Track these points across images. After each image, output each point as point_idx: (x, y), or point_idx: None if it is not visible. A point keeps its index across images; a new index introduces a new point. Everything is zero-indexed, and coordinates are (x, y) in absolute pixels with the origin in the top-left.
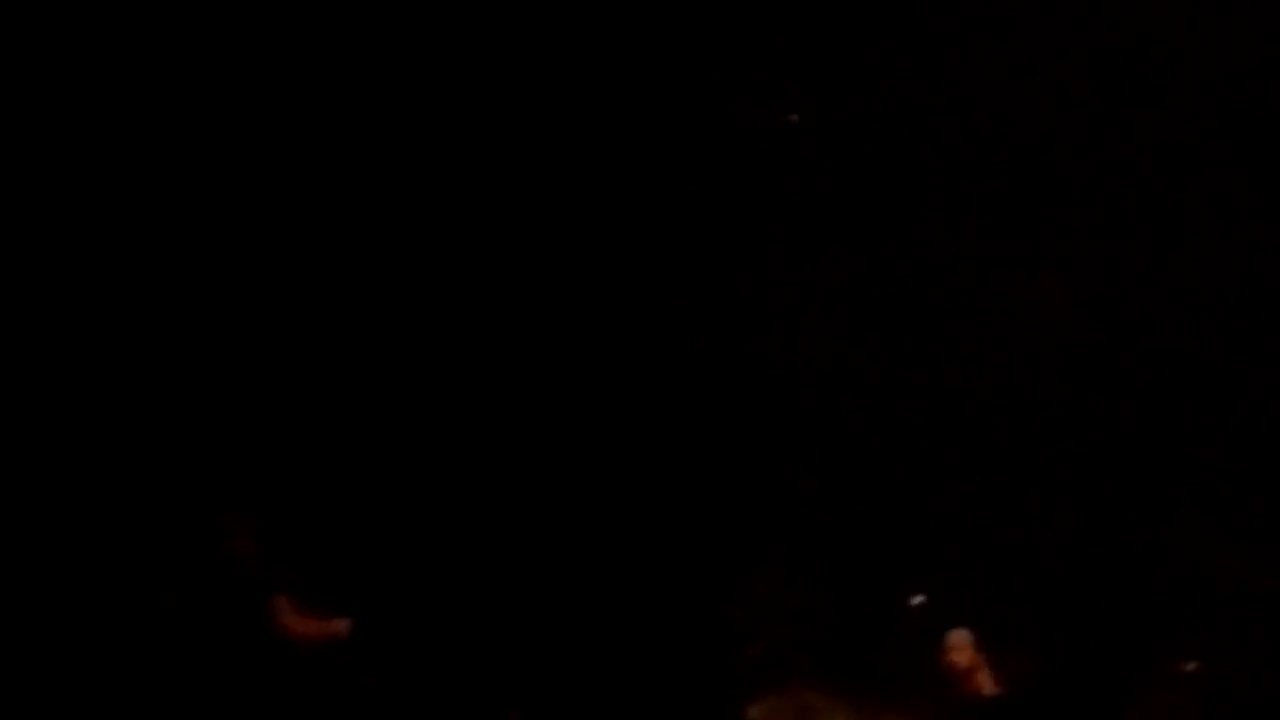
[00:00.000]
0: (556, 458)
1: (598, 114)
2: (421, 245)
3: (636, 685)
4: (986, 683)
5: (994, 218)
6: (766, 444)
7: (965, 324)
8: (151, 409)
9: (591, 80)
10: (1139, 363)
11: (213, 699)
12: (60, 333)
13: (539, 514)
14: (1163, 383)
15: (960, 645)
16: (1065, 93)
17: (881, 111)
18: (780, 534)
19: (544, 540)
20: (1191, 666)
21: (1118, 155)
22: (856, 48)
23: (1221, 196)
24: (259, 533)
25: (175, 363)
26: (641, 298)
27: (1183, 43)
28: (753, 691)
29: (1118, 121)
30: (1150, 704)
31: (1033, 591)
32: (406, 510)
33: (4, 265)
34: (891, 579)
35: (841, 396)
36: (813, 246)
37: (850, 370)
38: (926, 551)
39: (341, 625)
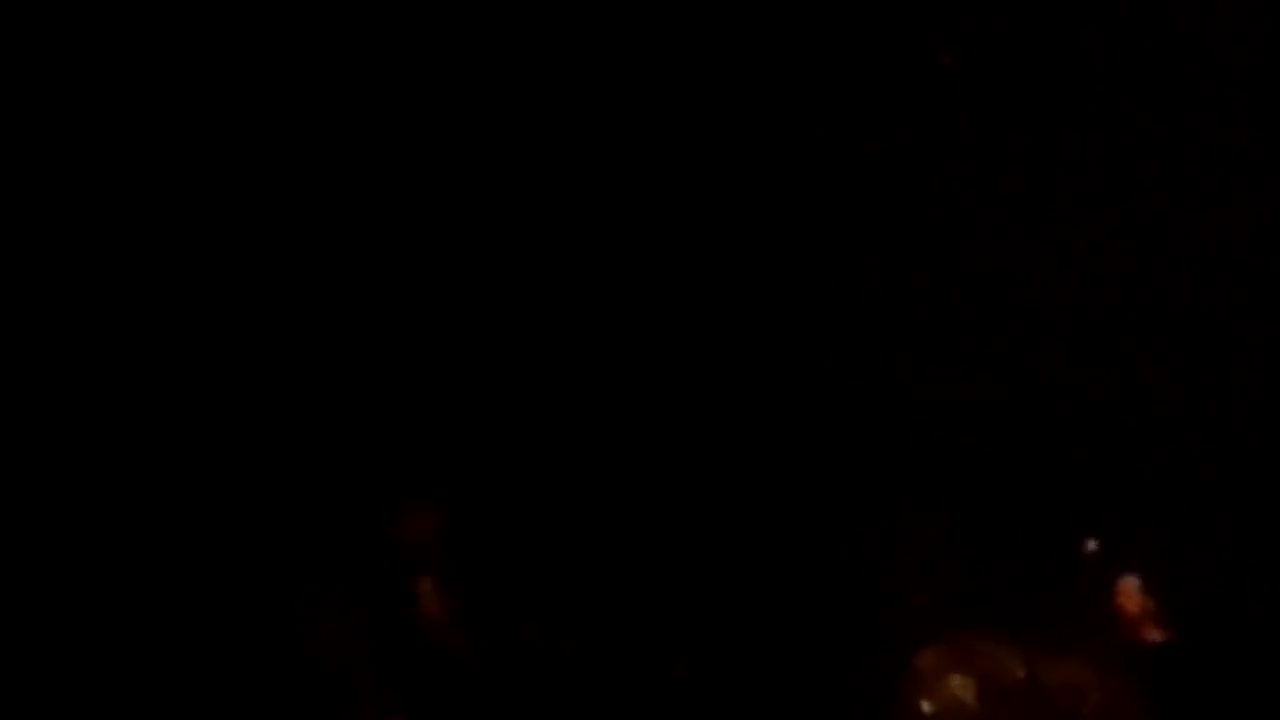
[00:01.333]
0: (721, 417)
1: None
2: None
3: (804, 635)
4: (1156, 630)
5: None
6: (936, 394)
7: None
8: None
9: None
10: None
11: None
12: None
13: (702, 471)
14: None
15: (1130, 592)
16: None
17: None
18: (948, 483)
19: (705, 494)
20: None
21: None
22: None
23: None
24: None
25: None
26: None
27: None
28: (921, 641)
29: None
30: None
31: (1204, 538)
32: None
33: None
34: (1062, 526)
35: (1011, 343)
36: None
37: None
38: (1097, 498)
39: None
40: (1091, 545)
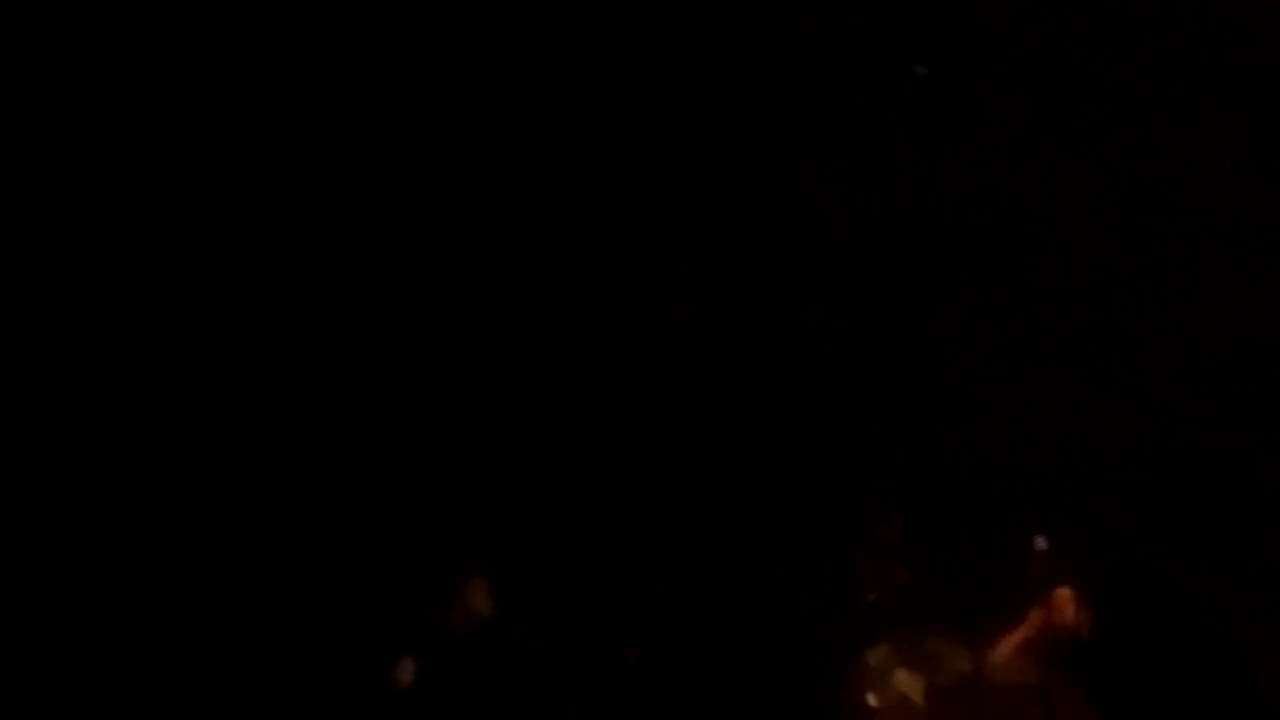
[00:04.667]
0: (687, 415)
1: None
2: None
3: (757, 631)
4: (1098, 630)
5: None
6: (887, 394)
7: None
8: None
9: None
10: None
11: None
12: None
13: (663, 467)
14: None
15: (1063, 602)
16: None
17: None
18: (901, 483)
19: (668, 492)
20: None
21: None
22: None
23: None
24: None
25: None
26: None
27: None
28: (872, 637)
29: None
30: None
31: (1145, 539)
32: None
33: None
34: (1011, 527)
35: (957, 346)
36: None
37: (967, 319)
38: (1046, 497)
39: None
40: (1041, 544)
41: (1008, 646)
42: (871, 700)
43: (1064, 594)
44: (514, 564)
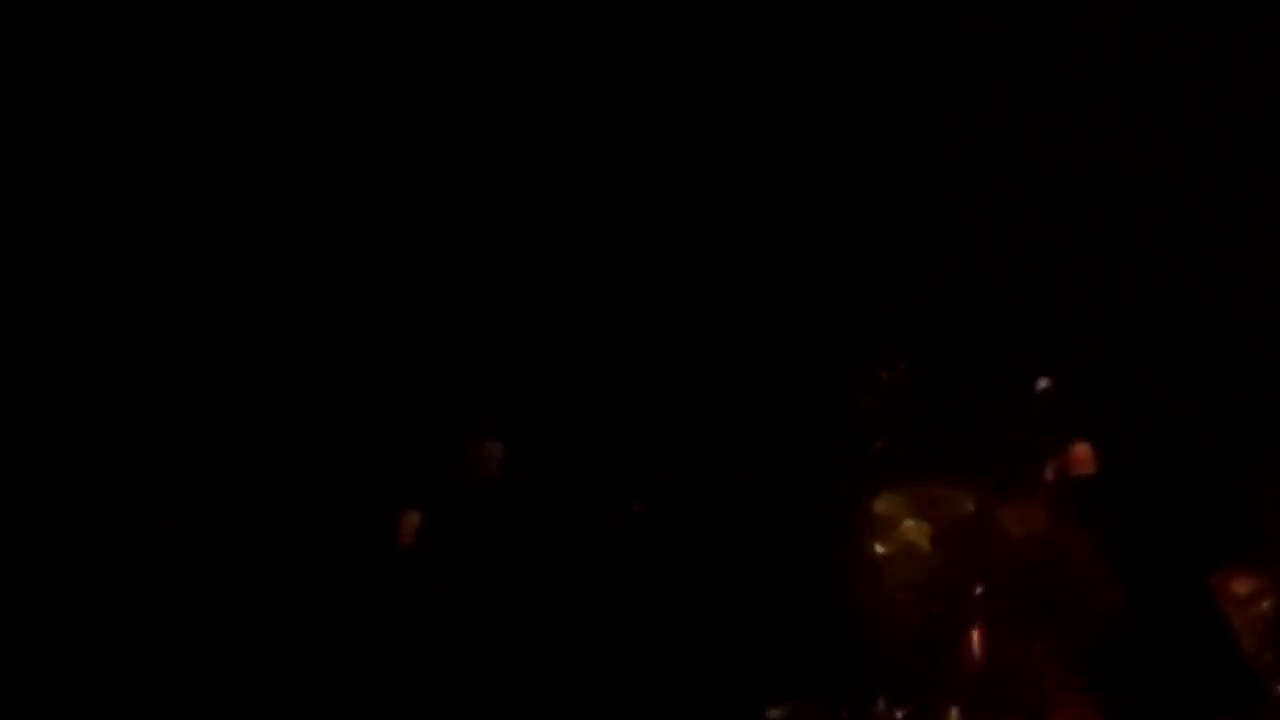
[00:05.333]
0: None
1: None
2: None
3: (763, 482)
4: (1104, 478)
5: None
6: (896, 245)
7: None
8: None
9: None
10: None
11: None
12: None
13: (670, 326)
14: None
15: (1082, 454)
16: None
17: None
18: (908, 332)
19: (675, 352)
20: None
21: None
22: None
23: None
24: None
25: None
26: None
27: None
28: (877, 484)
29: None
30: None
31: (1153, 387)
32: None
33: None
34: (1017, 376)
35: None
36: None
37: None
38: (1050, 347)
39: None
40: (1043, 385)
41: (1018, 495)
42: (878, 548)
43: (1083, 447)
44: (525, 426)
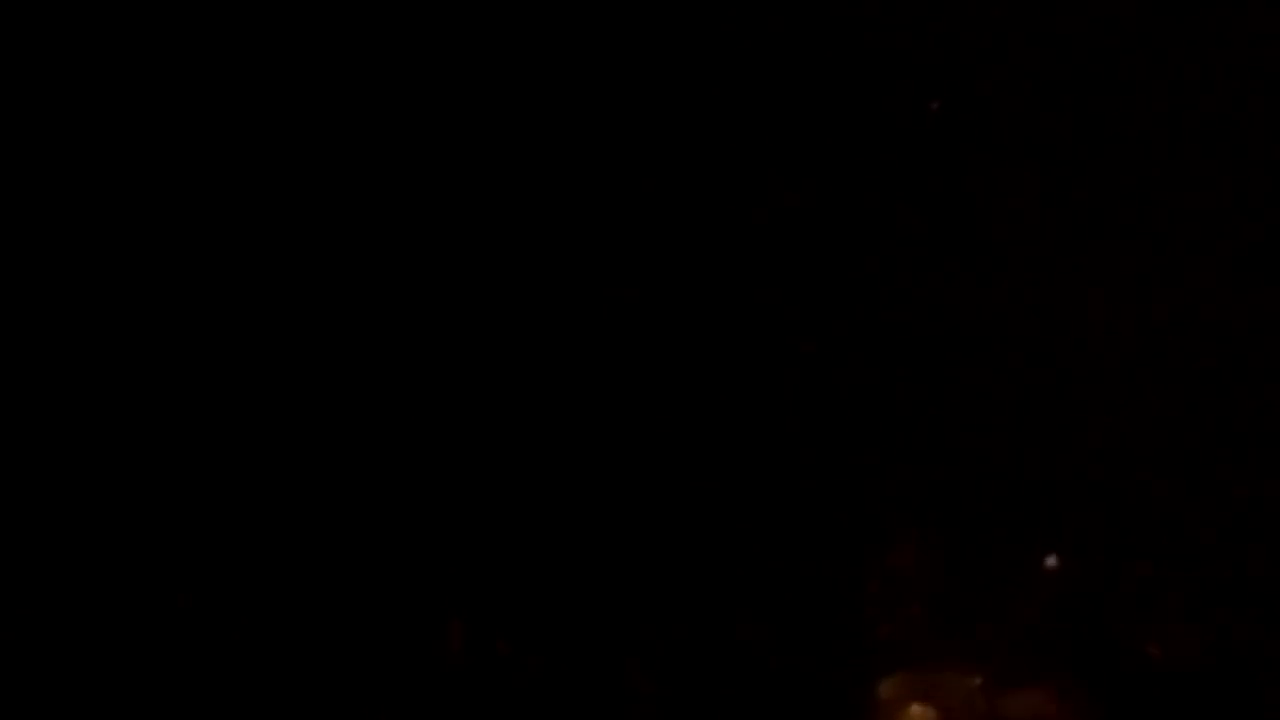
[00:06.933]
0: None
1: None
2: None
3: (768, 662)
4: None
5: None
6: (901, 423)
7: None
8: None
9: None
10: None
11: None
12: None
13: (664, 496)
14: None
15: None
16: None
17: None
18: (912, 513)
19: (669, 522)
20: None
21: None
22: None
23: None
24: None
25: None
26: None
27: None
28: (884, 670)
29: None
30: None
31: (1166, 572)
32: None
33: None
34: (1025, 560)
35: (978, 373)
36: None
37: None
38: (1058, 528)
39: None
40: (1051, 563)
41: (1025, 681)
42: None
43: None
44: (501, 595)
